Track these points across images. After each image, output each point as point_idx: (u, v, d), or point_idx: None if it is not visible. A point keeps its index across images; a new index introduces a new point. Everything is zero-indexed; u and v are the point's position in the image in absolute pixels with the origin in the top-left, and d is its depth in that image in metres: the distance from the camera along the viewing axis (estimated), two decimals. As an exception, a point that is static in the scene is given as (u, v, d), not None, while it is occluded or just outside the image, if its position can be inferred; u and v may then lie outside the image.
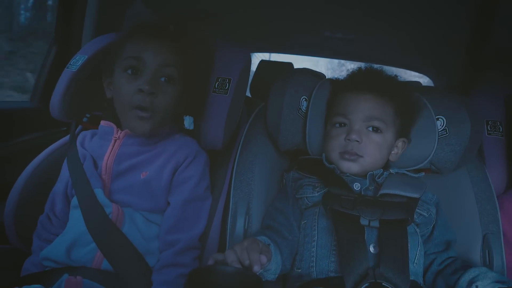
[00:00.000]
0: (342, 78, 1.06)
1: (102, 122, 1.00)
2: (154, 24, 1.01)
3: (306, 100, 1.03)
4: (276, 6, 1.69)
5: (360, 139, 0.88)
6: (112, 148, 0.95)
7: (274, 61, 2.37)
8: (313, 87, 1.04)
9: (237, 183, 1.00)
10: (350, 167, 0.90)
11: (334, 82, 1.06)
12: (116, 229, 0.86)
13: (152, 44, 0.92)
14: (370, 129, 0.90)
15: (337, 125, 0.93)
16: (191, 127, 1.03)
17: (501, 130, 1.11)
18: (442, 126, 0.99)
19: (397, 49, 2.28)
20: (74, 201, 0.92)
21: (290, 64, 2.29)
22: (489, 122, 1.12)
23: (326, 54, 2.64)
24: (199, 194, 0.96)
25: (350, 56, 2.64)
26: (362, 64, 1.05)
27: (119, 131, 0.96)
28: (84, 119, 1.10)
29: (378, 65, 1.03)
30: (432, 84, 2.59)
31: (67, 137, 1.12)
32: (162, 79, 0.92)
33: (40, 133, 1.32)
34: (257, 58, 2.62)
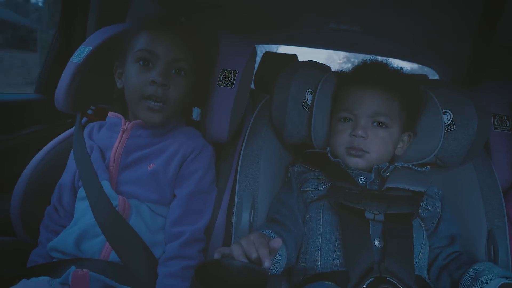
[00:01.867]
0: (347, 71, 1.05)
1: (110, 114, 1.00)
2: (166, 16, 1.01)
3: (311, 93, 1.03)
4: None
5: (366, 134, 0.88)
6: (121, 140, 0.95)
7: (279, 53, 2.35)
8: (318, 80, 1.04)
9: (242, 176, 1.00)
10: (356, 162, 0.90)
11: (339, 75, 1.05)
12: (124, 221, 0.87)
13: (164, 38, 0.93)
14: (376, 124, 0.90)
15: (343, 120, 0.93)
16: (198, 119, 1.04)
17: (508, 125, 1.10)
18: (449, 120, 0.98)
19: (402, 41, 2.26)
20: (81, 192, 0.92)
21: (294, 56, 2.27)
22: (496, 116, 1.11)
23: (331, 46, 2.62)
24: (204, 187, 0.97)
25: (355, 48, 2.62)
26: (367, 57, 1.04)
27: (127, 123, 0.97)
28: (89, 111, 1.11)
29: (383, 58, 1.02)
30: (437, 77, 2.57)
31: (72, 129, 1.12)
32: (173, 71, 0.93)
33: (45, 125, 1.32)
34: (262, 50, 2.60)
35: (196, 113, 1.03)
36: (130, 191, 0.92)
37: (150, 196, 0.93)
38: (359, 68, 1.01)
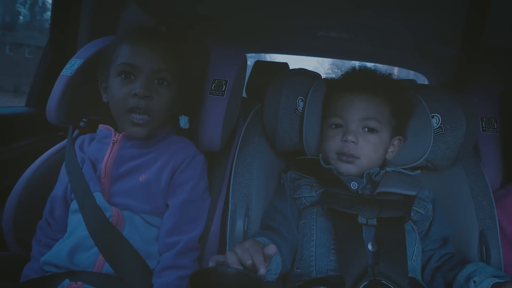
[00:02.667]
0: (337, 78, 1.06)
1: (100, 126, 1.00)
2: (146, 27, 1.01)
3: (302, 100, 1.04)
4: (270, 7, 1.69)
5: (356, 140, 0.89)
6: (111, 151, 0.95)
7: (270, 62, 2.37)
8: (309, 87, 1.05)
9: (236, 184, 1.00)
10: (347, 168, 0.91)
11: (329, 82, 1.07)
12: (117, 233, 0.86)
13: (144, 49, 0.92)
14: (366, 129, 0.91)
15: (334, 126, 0.94)
16: (187, 126, 1.03)
17: (495, 127, 1.12)
18: (438, 123, 1.00)
19: (391, 47, 2.30)
20: (74, 205, 0.92)
21: (285, 64, 2.29)
22: (484, 119, 1.13)
23: (320, 53, 2.65)
24: (197, 196, 0.97)
25: (345, 55, 2.66)
26: (356, 63, 1.05)
27: (117, 134, 0.97)
28: (81, 124, 1.11)
29: (372, 64, 1.04)
30: (426, 82, 2.61)
31: (64, 142, 1.12)
32: (156, 82, 0.92)
33: (36, 138, 1.31)
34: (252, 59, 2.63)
35: (183, 121, 1.02)
36: (122, 203, 0.92)
37: (143, 207, 0.93)
38: (348, 75, 1.02)
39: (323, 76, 1.15)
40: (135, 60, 0.90)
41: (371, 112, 0.91)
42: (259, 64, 2.23)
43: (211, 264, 0.66)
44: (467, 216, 0.99)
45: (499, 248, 0.94)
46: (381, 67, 1.04)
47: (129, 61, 0.90)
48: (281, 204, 0.95)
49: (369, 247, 0.81)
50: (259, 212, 0.98)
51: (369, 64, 1.05)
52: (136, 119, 0.90)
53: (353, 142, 0.89)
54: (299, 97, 1.04)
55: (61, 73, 1.02)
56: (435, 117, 1.00)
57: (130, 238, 0.87)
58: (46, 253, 0.90)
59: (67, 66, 1.03)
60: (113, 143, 0.96)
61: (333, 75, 1.09)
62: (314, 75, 1.15)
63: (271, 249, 0.67)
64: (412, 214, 0.89)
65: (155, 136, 0.98)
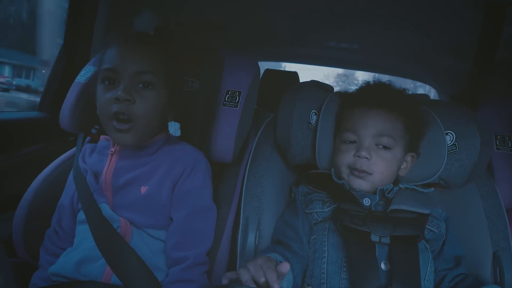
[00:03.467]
0: (350, 92, 1.06)
1: (102, 137, 0.99)
2: (132, 32, 0.99)
3: (315, 114, 1.04)
4: (282, 16, 1.70)
5: (369, 156, 0.88)
6: (110, 162, 0.94)
7: (279, 70, 2.38)
8: (322, 100, 1.04)
9: (248, 197, 1.00)
10: (360, 184, 0.90)
11: (343, 95, 1.06)
12: (125, 244, 0.85)
13: (127, 52, 0.89)
14: (380, 146, 0.90)
15: (348, 142, 0.93)
16: (177, 134, 0.97)
17: (510, 145, 1.11)
18: (452, 141, 0.99)
19: (401, 58, 2.29)
20: (81, 215, 0.91)
21: (295, 73, 2.30)
22: (498, 137, 1.12)
23: (330, 63, 2.65)
24: (202, 206, 0.94)
25: (354, 65, 2.66)
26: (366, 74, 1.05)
27: (115, 145, 0.94)
28: (93, 131, 1.11)
29: (386, 79, 1.03)
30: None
31: (75, 149, 1.12)
32: (140, 85, 0.88)
33: (48, 143, 1.32)
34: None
35: (173, 127, 0.96)
36: (125, 217, 0.90)
37: (146, 221, 0.91)
38: (362, 89, 1.02)
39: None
40: (117, 64, 0.87)
41: (385, 128, 0.90)
42: (268, 72, 2.24)
43: (224, 281, 0.66)
44: (481, 237, 0.98)
45: None
46: (395, 80, 1.03)
47: (112, 66, 0.87)
48: (292, 219, 0.94)
49: (382, 266, 0.80)
50: (270, 226, 0.98)
51: (383, 79, 1.03)
52: (118, 125, 0.86)
53: (366, 158, 0.88)
54: (313, 111, 1.04)
55: (75, 80, 1.03)
56: (449, 134, 0.99)
57: (138, 249, 0.85)
58: (53, 262, 0.90)
59: (81, 73, 1.04)
60: (112, 154, 0.94)
61: (338, 88, 1.08)
62: (327, 88, 1.14)
63: (285, 267, 0.66)
64: (425, 232, 0.87)
65: (150, 144, 0.95)
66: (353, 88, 1.06)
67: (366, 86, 1.02)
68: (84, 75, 1.03)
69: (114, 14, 1.36)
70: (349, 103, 0.99)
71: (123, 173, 0.92)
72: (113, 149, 0.94)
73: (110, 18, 1.35)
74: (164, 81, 0.92)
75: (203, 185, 0.95)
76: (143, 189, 0.91)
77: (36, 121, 1.34)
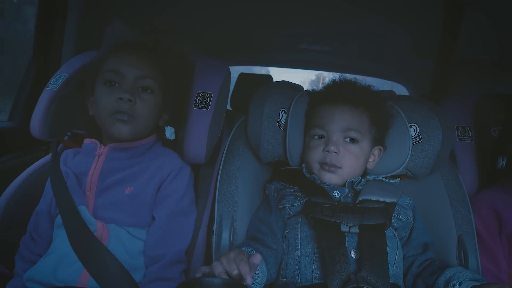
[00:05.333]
0: (318, 90, 1.09)
1: (86, 140, 1.00)
2: (134, 41, 1.03)
3: (285, 112, 1.06)
4: (252, 20, 1.73)
5: (338, 150, 0.91)
6: (96, 164, 0.95)
7: (254, 74, 2.41)
8: (291, 99, 1.08)
9: (221, 195, 1.01)
10: (330, 178, 0.93)
11: (311, 94, 1.10)
12: (102, 247, 0.85)
13: (129, 58, 0.95)
14: (348, 140, 0.93)
15: (316, 137, 0.96)
16: (172, 137, 1.05)
17: (470, 135, 1.16)
18: (416, 133, 1.03)
19: (372, 59, 2.36)
20: (58, 220, 0.91)
21: (269, 77, 2.33)
22: (459, 127, 1.17)
23: (303, 66, 2.70)
24: (183, 208, 0.98)
25: (326, 67, 2.71)
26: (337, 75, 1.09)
27: (102, 147, 0.97)
28: (65, 138, 1.11)
29: (352, 76, 1.08)
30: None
31: (48, 157, 1.12)
32: (140, 89, 0.95)
33: (19, 153, 1.30)
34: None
35: (169, 132, 1.05)
36: (107, 216, 0.92)
37: (129, 220, 0.93)
38: (329, 87, 1.05)
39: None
40: (120, 67, 0.93)
41: (351, 123, 0.94)
42: (243, 76, 2.27)
43: (198, 275, 0.67)
44: (446, 222, 1.02)
45: (476, 253, 0.97)
46: (361, 79, 1.07)
47: (114, 68, 0.93)
48: (266, 215, 0.96)
49: (352, 254, 0.83)
50: (245, 223, 0.99)
51: (349, 76, 1.07)
52: (120, 116, 0.92)
53: (335, 152, 0.92)
54: (282, 109, 1.07)
55: (46, 87, 1.03)
56: (413, 127, 1.04)
57: (115, 252, 0.86)
58: (29, 269, 0.89)
59: (51, 80, 1.04)
60: (98, 156, 0.96)
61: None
62: (296, 88, 1.17)
63: (256, 258, 0.68)
64: (393, 221, 0.91)
65: (137, 146, 0.98)
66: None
67: (333, 84, 1.06)
68: (54, 82, 1.03)
69: (85, 22, 1.36)
70: (317, 100, 1.03)
71: (109, 175, 0.95)
72: (100, 151, 0.97)
73: (80, 26, 1.35)
74: (161, 86, 0.98)
75: (187, 189, 1.00)
76: (128, 190, 0.94)
77: (7, 131, 1.32)
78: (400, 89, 2.71)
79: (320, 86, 1.11)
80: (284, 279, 0.88)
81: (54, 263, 0.86)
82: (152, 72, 0.97)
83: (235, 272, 0.66)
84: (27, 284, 0.87)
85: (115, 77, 0.93)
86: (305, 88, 1.19)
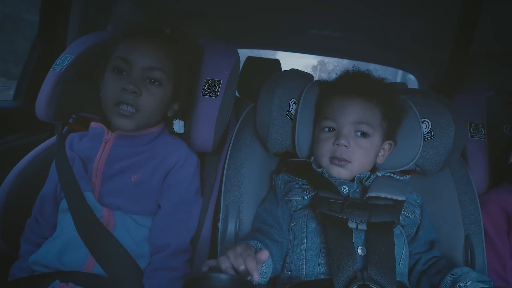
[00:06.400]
0: (330, 80, 1.06)
1: (93, 124, 0.99)
2: (149, 26, 1.00)
3: (295, 102, 1.04)
4: (263, 4, 1.69)
5: (348, 143, 0.90)
6: (103, 150, 0.94)
7: (261, 58, 2.36)
8: (301, 89, 1.05)
9: (228, 186, 1.00)
10: (340, 172, 0.91)
11: (322, 84, 1.07)
12: (108, 233, 0.86)
13: (141, 46, 0.92)
14: (359, 134, 0.91)
15: (326, 129, 0.94)
16: (181, 131, 1.03)
17: (483, 133, 1.14)
18: (427, 129, 1.01)
19: (383, 47, 2.31)
20: (63, 204, 0.91)
21: (276, 61, 2.29)
22: (472, 124, 1.15)
23: (312, 51, 2.66)
24: (189, 197, 0.97)
25: (336, 53, 2.67)
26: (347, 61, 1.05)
27: (110, 133, 0.96)
28: (70, 120, 1.09)
29: (365, 67, 1.04)
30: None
31: (53, 139, 1.11)
32: (147, 80, 0.91)
33: (24, 133, 1.29)
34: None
35: (178, 125, 1.02)
36: (113, 203, 0.91)
37: (134, 208, 0.92)
38: (341, 78, 1.03)
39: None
40: (129, 55, 0.90)
41: (363, 117, 0.92)
42: (250, 60, 2.23)
43: (204, 269, 0.67)
44: (454, 221, 1.01)
45: (483, 253, 0.96)
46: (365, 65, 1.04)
47: (124, 56, 0.90)
48: (272, 207, 0.95)
49: (359, 251, 0.82)
50: (251, 214, 0.99)
51: (362, 67, 1.04)
52: (123, 110, 0.89)
53: (345, 146, 0.90)
54: (292, 99, 1.04)
55: (51, 69, 1.01)
56: (425, 122, 1.02)
57: (121, 239, 0.87)
58: (34, 251, 0.89)
59: (57, 62, 1.02)
60: (105, 142, 0.95)
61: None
62: (307, 77, 1.15)
63: (264, 254, 0.67)
64: (400, 218, 0.90)
65: (145, 134, 0.97)
66: (324, 76, 1.07)
67: (345, 75, 1.03)
68: (60, 64, 1.01)
69: (91, 1, 1.32)
70: (329, 91, 1.00)
71: (116, 161, 0.94)
72: (107, 137, 0.95)
73: (86, 5, 1.31)
74: (171, 78, 0.95)
75: (193, 178, 0.99)
76: (134, 177, 0.93)
77: (11, 111, 1.31)
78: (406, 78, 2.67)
79: (318, 73, 1.08)
80: (289, 273, 0.87)
81: (60, 248, 0.86)
82: (163, 64, 0.93)
83: (241, 267, 0.65)
84: (33, 267, 0.88)
85: (124, 64, 0.90)
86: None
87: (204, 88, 1.02)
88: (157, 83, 0.92)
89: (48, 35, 1.32)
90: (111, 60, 0.92)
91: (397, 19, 1.72)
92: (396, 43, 2.15)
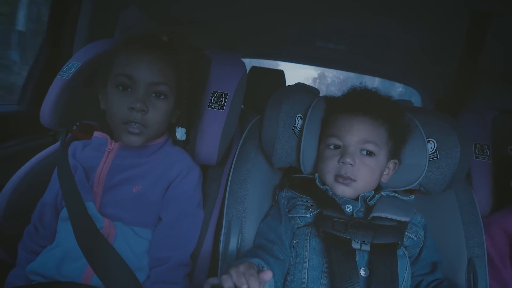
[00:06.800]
0: (337, 97, 1.06)
1: (96, 133, 0.98)
2: (146, 36, 0.99)
3: (301, 118, 1.04)
4: (270, 15, 1.69)
5: (353, 162, 0.89)
6: (106, 160, 0.94)
7: (265, 68, 2.37)
8: (307, 104, 1.05)
9: (231, 200, 0.99)
10: (344, 190, 0.91)
11: (329, 100, 1.06)
12: (108, 244, 0.84)
13: (143, 61, 0.90)
14: (364, 152, 0.91)
15: (331, 146, 0.94)
16: (183, 138, 1.03)
17: (488, 154, 1.13)
18: (433, 149, 1.00)
19: (386, 61, 2.32)
20: (64, 213, 0.90)
21: (281, 72, 2.30)
22: (477, 145, 1.14)
23: (317, 63, 2.66)
24: (190, 210, 0.96)
25: (341, 66, 2.67)
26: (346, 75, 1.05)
27: (113, 143, 0.95)
28: (74, 127, 1.09)
29: (360, 78, 1.04)
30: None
31: (56, 145, 1.10)
32: (153, 95, 0.91)
33: (27, 137, 1.28)
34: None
35: (180, 132, 1.02)
36: (114, 214, 0.91)
37: (135, 219, 0.91)
38: (348, 95, 1.02)
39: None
40: (133, 72, 0.89)
41: (370, 135, 0.91)
42: (254, 70, 2.23)
43: (206, 287, 0.66)
44: (457, 243, 1.00)
45: (486, 277, 0.95)
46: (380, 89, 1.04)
47: (127, 73, 0.89)
48: (275, 223, 0.94)
49: (362, 272, 0.81)
50: (253, 229, 0.98)
51: (369, 85, 1.03)
52: (132, 127, 0.89)
53: (351, 164, 0.89)
54: (298, 115, 1.04)
55: (58, 75, 1.00)
56: (430, 142, 1.01)
57: (120, 250, 0.85)
58: (32, 260, 0.88)
59: (64, 68, 1.01)
60: (109, 152, 0.94)
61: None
62: (313, 92, 1.14)
63: (267, 275, 0.67)
64: (404, 239, 0.89)
65: (150, 145, 0.97)
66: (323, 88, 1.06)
67: (352, 92, 1.03)
68: (67, 71, 1.00)
69: (99, 7, 1.32)
70: (335, 108, 1.00)
71: (118, 172, 0.93)
72: (110, 147, 0.95)
73: (94, 11, 1.31)
74: (174, 88, 0.95)
75: (195, 191, 0.98)
76: (136, 189, 0.92)
77: (16, 115, 1.30)
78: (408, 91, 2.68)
79: (317, 85, 1.08)
80: (290, 291, 0.86)
81: (58, 258, 0.85)
82: (166, 77, 0.93)
83: (244, 287, 0.64)
84: (30, 277, 0.87)
85: (128, 81, 0.89)
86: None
87: (211, 101, 1.01)
88: (162, 96, 0.92)
89: (55, 40, 1.32)
90: (114, 77, 0.90)
91: (402, 31, 1.72)
92: (400, 57, 2.16)
